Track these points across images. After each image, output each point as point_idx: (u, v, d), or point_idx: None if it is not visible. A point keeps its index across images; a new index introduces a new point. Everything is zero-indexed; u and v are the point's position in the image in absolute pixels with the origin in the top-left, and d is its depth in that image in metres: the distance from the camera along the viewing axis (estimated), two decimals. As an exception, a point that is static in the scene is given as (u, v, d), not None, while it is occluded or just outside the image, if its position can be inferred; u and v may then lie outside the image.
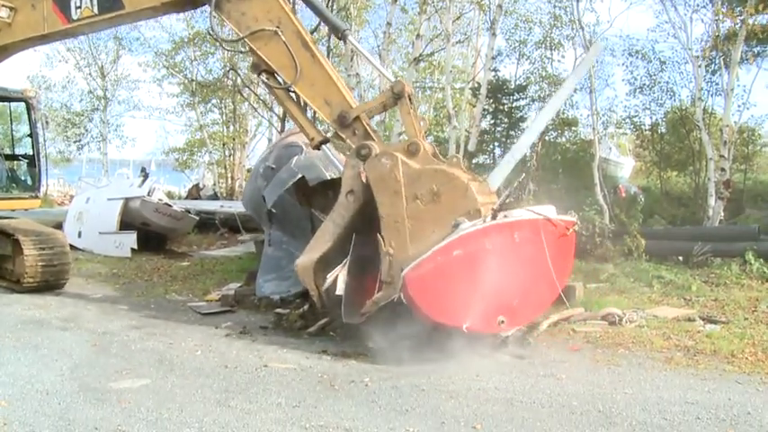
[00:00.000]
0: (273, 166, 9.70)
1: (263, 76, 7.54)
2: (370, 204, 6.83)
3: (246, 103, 25.53)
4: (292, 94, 7.56)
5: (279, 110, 20.29)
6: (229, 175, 27.20)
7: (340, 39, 8.17)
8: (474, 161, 15.45)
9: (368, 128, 7.14)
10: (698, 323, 7.90)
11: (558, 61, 18.71)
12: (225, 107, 26.88)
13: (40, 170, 11.42)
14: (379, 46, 18.80)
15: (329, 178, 8.74)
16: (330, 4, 16.42)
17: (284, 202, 9.25)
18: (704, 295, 9.48)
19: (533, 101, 17.95)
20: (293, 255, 7.61)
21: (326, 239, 7.03)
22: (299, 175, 8.96)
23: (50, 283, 9.94)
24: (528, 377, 5.94)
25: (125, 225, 14.23)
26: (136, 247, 13.98)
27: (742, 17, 12.95)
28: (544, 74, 18.55)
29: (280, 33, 7.17)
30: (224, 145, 27.46)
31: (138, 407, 5.14)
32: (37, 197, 11.53)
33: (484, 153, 16.93)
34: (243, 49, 8.33)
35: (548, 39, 18.06)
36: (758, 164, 19.87)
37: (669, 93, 18.08)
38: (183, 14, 24.04)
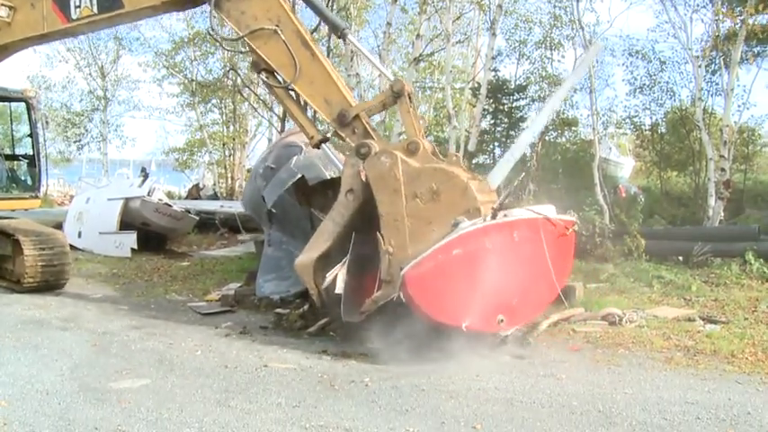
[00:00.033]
0: (273, 166, 9.70)
1: (263, 75, 7.54)
2: (369, 203, 6.84)
3: (246, 103, 25.53)
4: (292, 93, 7.56)
5: (279, 110, 20.29)
6: (229, 175, 27.20)
7: (340, 37, 8.17)
8: (474, 161, 15.45)
9: (367, 126, 7.14)
10: (698, 323, 7.90)
11: (558, 61, 18.75)
12: (225, 107, 26.89)
13: (40, 170, 11.42)
14: (379, 46, 18.83)
15: (329, 177, 8.75)
16: (330, 4, 16.41)
17: (284, 202, 9.25)
18: (704, 295, 9.48)
19: (533, 101, 17.97)
20: (293, 255, 7.62)
21: (326, 238, 7.04)
22: (299, 175, 8.97)
23: (50, 283, 9.94)
24: (528, 377, 5.94)
25: (125, 225, 14.22)
26: (136, 247, 13.98)
27: (742, 17, 12.96)
28: (544, 74, 18.57)
29: (279, 32, 7.17)
30: (224, 145, 27.46)
31: (138, 407, 5.14)
32: (37, 197, 11.52)
33: (484, 153, 16.93)
34: (243, 49, 8.33)
35: (548, 39, 18.06)
36: (758, 164, 19.87)
37: (669, 93, 18.12)
38: (183, 14, 24.09)
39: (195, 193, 24.16)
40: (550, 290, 6.93)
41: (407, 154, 6.77)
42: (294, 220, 9.51)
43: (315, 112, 7.88)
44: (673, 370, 6.17)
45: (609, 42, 17.37)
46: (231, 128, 27.29)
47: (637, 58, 18.02)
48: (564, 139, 18.61)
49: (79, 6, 8.05)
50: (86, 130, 28.89)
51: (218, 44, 18.90)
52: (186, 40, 25.58)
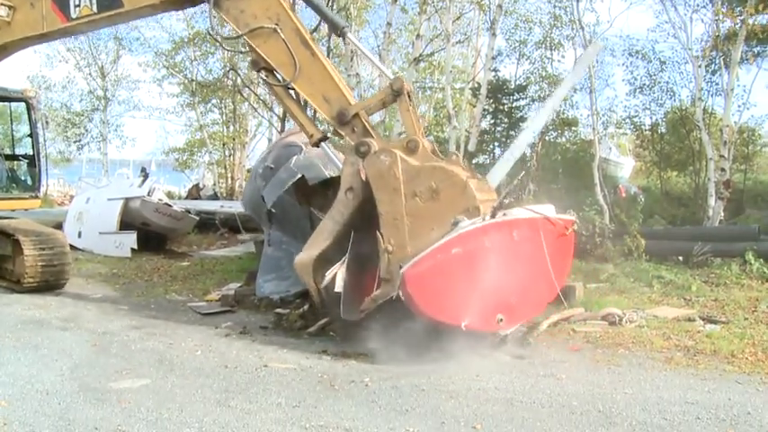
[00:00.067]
0: (272, 166, 9.70)
1: (263, 74, 7.54)
2: (369, 201, 6.83)
3: (246, 103, 25.53)
4: (291, 92, 7.56)
5: (279, 110, 20.29)
6: (229, 175, 27.20)
7: (339, 36, 8.17)
8: (474, 161, 15.45)
9: (367, 125, 7.14)
10: (698, 323, 7.90)
11: (558, 61, 18.72)
12: (225, 107, 26.88)
13: (40, 170, 11.42)
14: (379, 46, 18.83)
15: (328, 177, 8.74)
16: (330, 3, 16.41)
17: (284, 202, 9.25)
18: (704, 295, 9.48)
19: (533, 101, 17.97)
20: (293, 255, 7.62)
21: (326, 236, 7.03)
22: (299, 175, 8.96)
23: (50, 283, 9.94)
24: (528, 377, 5.94)
25: (125, 225, 14.22)
26: (136, 247, 13.98)
27: (742, 17, 12.96)
28: (544, 74, 18.57)
29: (279, 31, 7.17)
30: (224, 145, 27.46)
31: (138, 407, 5.14)
32: (37, 197, 11.52)
33: (484, 153, 16.92)
34: (243, 49, 8.33)
35: (548, 39, 18.06)
36: (758, 164, 19.88)
37: (669, 93, 18.13)
38: (183, 14, 24.14)
39: (195, 193, 24.16)
40: (550, 289, 6.93)
41: (407, 152, 6.77)
42: (294, 220, 9.51)
43: (315, 111, 7.88)
44: (673, 370, 6.17)
45: (609, 42, 17.41)
46: (231, 128, 27.30)
47: (637, 58, 18.06)
48: (564, 139, 18.62)
49: (78, 6, 8.04)
50: (86, 130, 28.92)
51: (218, 44, 18.90)
52: (186, 40, 25.59)
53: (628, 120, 19.32)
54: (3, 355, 6.49)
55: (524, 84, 18.08)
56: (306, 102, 7.59)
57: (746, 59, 14.55)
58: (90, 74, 28.07)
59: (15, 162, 11.68)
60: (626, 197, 15.93)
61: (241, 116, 27.36)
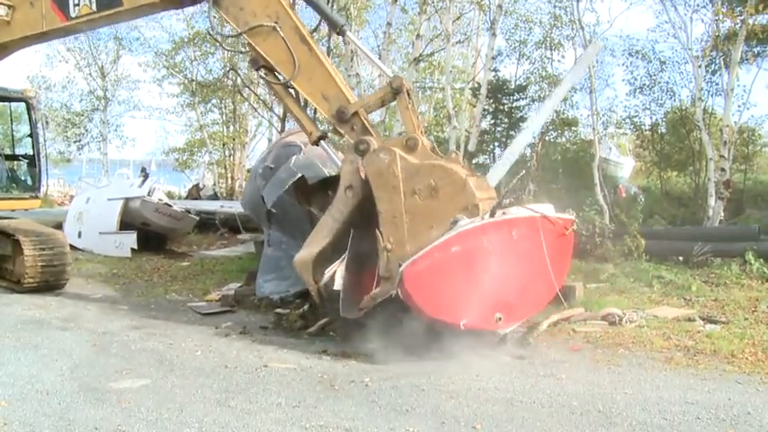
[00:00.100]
0: (272, 165, 9.70)
1: (262, 72, 7.55)
2: (368, 200, 6.83)
3: (246, 104, 25.53)
4: (291, 91, 7.56)
5: (279, 110, 20.28)
6: (229, 175, 27.20)
7: (338, 34, 8.17)
8: (474, 161, 15.45)
9: (366, 123, 7.14)
10: (698, 323, 7.89)
11: (559, 61, 18.72)
12: (225, 107, 26.89)
13: (40, 170, 11.42)
14: (379, 46, 18.83)
15: (328, 176, 8.74)
16: (330, 3, 16.42)
17: (283, 201, 9.25)
18: (704, 295, 9.48)
19: (533, 101, 17.95)
20: (292, 255, 7.63)
21: (325, 234, 7.03)
22: (299, 175, 8.96)
23: (50, 284, 9.94)
24: (528, 377, 5.94)
25: (125, 225, 14.23)
26: (136, 247, 13.98)
27: (742, 17, 12.96)
28: (544, 74, 18.56)
29: (278, 29, 7.17)
30: (224, 145, 27.46)
31: (138, 407, 5.14)
32: (37, 197, 11.52)
33: (484, 153, 16.92)
34: (243, 50, 8.32)
35: (548, 39, 18.06)
36: (758, 164, 19.87)
37: (669, 93, 18.14)
38: (183, 14, 24.16)
39: (195, 194, 24.16)
40: (549, 289, 6.92)
41: (406, 150, 6.76)
42: (294, 220, 9.50)
43: (315, 110, 7.89)
44: (673, 370, 6.16)
45: (609, 42, 17.42)
46: (231, 128, 27.30)
47: (637, 58, 18.07)
48: (564, 139, 18.61)
49: (78, 5, 8.05)
50: (86, 130, 28.93)
51: (218, 44, 18.94)
52: (186, 40, 25.60)
53: (628, 120, 19.36)
54: (3, 355, 6.49)
55: (524, 84, 18.08)
56: (306, 101, 7.59)
57: (746, 59, 14.55)
58: (90, 74, 28.13)
59: (15, 162, 11.69)
60: (626, 197, 15.93)
61: (241, 116, 27.36)
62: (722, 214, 13.21)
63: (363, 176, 6.84)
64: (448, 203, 6.52)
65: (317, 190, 8.97)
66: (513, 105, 17.16)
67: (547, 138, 17.51)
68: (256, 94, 23.59)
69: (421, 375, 5.91)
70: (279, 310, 8.40)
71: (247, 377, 6.00)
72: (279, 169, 9.41)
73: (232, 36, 8.23)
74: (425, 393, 5.51)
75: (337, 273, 6.89)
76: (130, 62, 49.16)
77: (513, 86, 17.47)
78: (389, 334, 6.61)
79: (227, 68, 23.00)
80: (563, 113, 17.89)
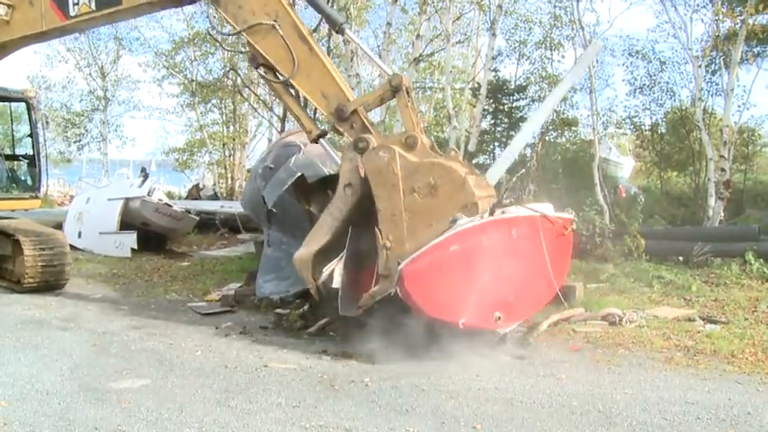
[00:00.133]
0: (272, 166, 9.70)
1: (261, 70, 7.54)
2: (367, 197, 6.82)
3: (246, 104, 25.53)
4: (291, 89, 7.56)
5: (279, 110, 20.30)
6: (229, 175, 27.19)
7: (337, 32, 8.17)
8: (474, 161, 15.44)
9: (366, 121, 7.13)
10: (698, 323, 7.89)
11: (559, 61, 18.72)
12: (225, 107, 26.88)
13: (40, 170, 11.43)
14: (379, 46, 18.81)
15: (328, 174, 8.74)
16: (330, 4, 16.42)
17: (283, 201, 9.25)
18: (704, 295, 9.48)
19: (533, 101, 17.94)
20: (292, 255, 7.63)
21: (325, 232, 7.03)
22: (298, 174, 8.96)
23: (50, 284, 9.94)
24: (528, 377, 5.94)
25: (125, 225, 14.22)
26: (136, 247, 13.98)
27: (742, 17, 12.96)
28: (544, 74, 18.55)
29: (277, 27, 7.17)
30: (224, 145, 27.45)
31: (138, 407, 5.14)
32: (37, 197, 11.53)
33: (484, 153, 16.92)
34: (243, 50, 8.31)
35: (548, 39, 18.05)
36: (758, 164, 19.87)
37: (669, 93, 18.13)
38: (183, 14, 24.16)
39: (195, 194, 24.16)
40: (549, 288, 6.93)
41: (405, 148, 6.75)
42: (294, 219, 9.50)
43: (315, 110, 7.88)
44: (673, 370, 6.16)
45: (609, 42, 17.41)
46: (231, 128, 27.29)
47: (637, 58, 18.06)
48: (564, 139, 18.61)
49: (77, 4, 8.05)
50: (86, 131, 28.91)
51: (218, 44, 18.92)
52: (186, 40, 25.59)
53: (628, 120, 19.35)
54: (3, 355, 6.49)
55: (524, 84, 18.07)
56: (306, 100, 7.58)
57: (746, 59, 14.55)
58: (90, 74, 28.11)
59: (15, 162, 11.69)
60: (626, 197, 15.94)
61: (241, 116, 27.36)
62: (722, 214, 13.21)
63: (363, 174, 6.83)
64: (447, 201, 6.52)
65: (317, 189, 8.97)
66: (513, 105, 17.15)
67: (547, 138, 17.52)
68: (256, 95, 23.60)
69: (421, 375, 5.91)
70: (279, 310, 8.40)
71: (247, 377, 6.00)
72: (279, 169, 9.41)
73: (231, 35, 8.23)
74: (425, 393, 5.51)
75: (336, 270, 6.88)
76: (130, 62, 49.28)
77: (513, 86, 17.46)
78: (389, 334, 6.61)
79: (227, 68, 23.00)
80: (563, 113, 17.89)
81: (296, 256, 7.12)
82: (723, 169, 13.35)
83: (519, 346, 6.92)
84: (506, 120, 16.98)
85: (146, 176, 16.37)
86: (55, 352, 6.69)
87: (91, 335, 7.49)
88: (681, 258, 11.44)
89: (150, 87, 51.03)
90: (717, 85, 15.80)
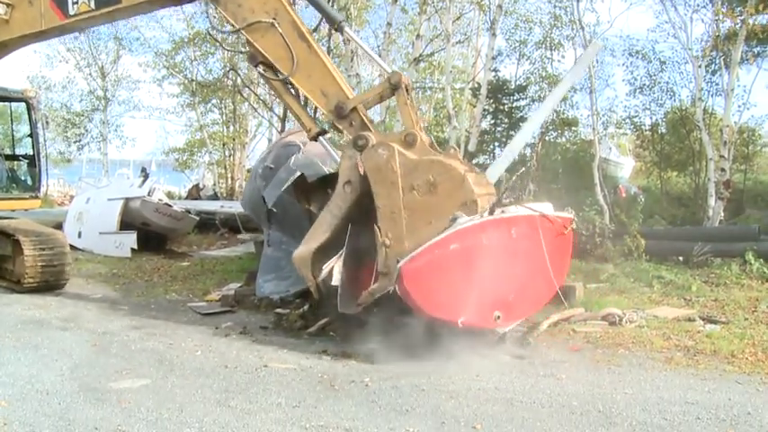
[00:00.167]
0: (272, 166, 9.70)
1: (260, 68, 7.54)
2: (367, 195, 6.82)
3: (246, 104, 25.53)
4: (290, 87, 7.55)
5: (279, 110, 20.29)
6: (229, 175, 27.20)
7: (336, 30, 8.16)
8: (474, 161, 15.44)
9: (365, 119, 7.14)
10: (698, 323, 7.89)
11: (559, 61, 18.73)
12: (225, 107, 26.88)
13: (40, 170, 11.43)
14: (379, 46, 18.82)
15: (327, 173, 8.74)
16: (331, 3, 16.42)
17: (284, 201, 9.25)
18: (704, 295, 9.48)
19: (533, 101, 17.95)
20: (292, 255, 7.63)
21: (324, 230, 7.03)
22: (298, 173, 8.96)
23: (50, 284, 9.94)
24: (528, 377, 5.94)
25: (125, 225, 14.23)
26: (136, 247, 13.98)
27: (742, 17, 12.96)
28: (544, 74, 18.56)
29: (276, 25, 7.17)
30: (224, 145, 27.46)
31: (138, 407, 5.14)
32: (37, 197, 11.52)
33: (484, 153, 16.92)
34: (243, 50, 8.30)
35: (548, 39, 18.06)
36: (758, 164, 19.89)
37: (669, 93, 18.15)
38: (183, 14, 24.17)
39: (195, 194, 24.16)
40: (548, 288, 6.92)
41: (405, 146, 6.75)
42: (293, 219, 9.50)
43: (315, 109, 7.87)
44: (673, 370, 6.16)
45: (609, 42, 17.42)
46: (231, 128, 27.29)
47: (637, 58, 18.07)
48: (564, 139, 18.62)
49: (77, 2, 8.06)
50: (86, 131, 28.92)
51: (218, 44, 18.92)
52: (186, 40, 25.59)
53: (628, 120, 19.36)
54: (3, 355, 6.49)
55: (524, 84, 18.07)
56: (306, 99, 7.58)
57: (746, 59, 14.56)
58: (90, 74, 28.12)
59: (15, 162, 11.69)
60: (626, 197, 15.93)
61: (241, 116, 27.36)
62: (722, 214, 13.21)
63: (362, 172, 6.82)
64: (446, 199, 6.51)
65: (317, 188, 8.96)
66: (513, 105, 17.16)
67: (547, 138, 17.52)
68: (256, 95, 23.60)
69: (421, 375, 5.91)
70: (279, 310, 8.40)
71: (247, 377, 5.99)
72: (279, 169, 9.40)
73: (231, 33, 8.23)
74: (425, 393, 5.51)
75: (335, 268, 6.87)
76: (130, 62, 49.31)
77: (513, 86, 17.47)
78: (389, 334, 6.61)
79: (227, 68, 23.01)
80: (563, 113, 17.89)
81: (295, 253, 7.11)
82: (723, 169, 13.35)
83: (519, 345, 6.91)
84: (506, 120, 16.98)
85: (146, 176, 16.38)
86: (55, 352, 6.69)
87: (91, 335, 7.49)
88: (681, 258, 11.44)
89: (150, 87, 51.14)
90: (717, 85, 15.83)
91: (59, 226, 13.93)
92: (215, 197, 23.56)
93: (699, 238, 11.34)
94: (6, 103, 13.23)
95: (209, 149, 27.69)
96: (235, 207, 17.53)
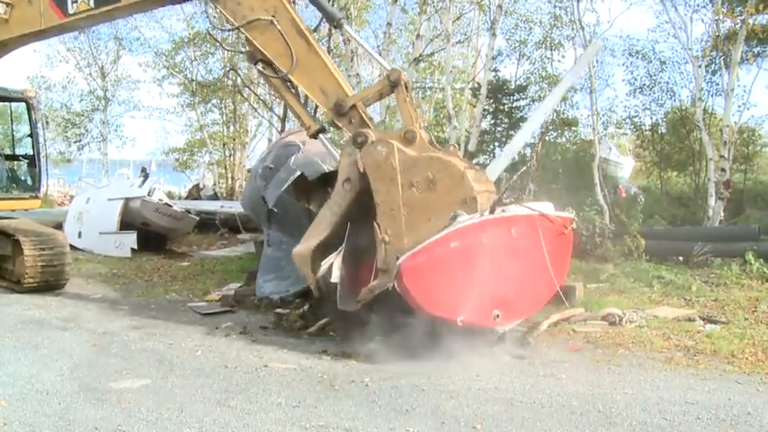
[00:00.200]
0: (272, 166, 9.69)
1: (259, 66, 7.55)
2: (366, 192, 6.82)
3: (246, 104, 25.53)
4: (289, 85, 7.55)
5: (279, 110, 20.29)
6: (229, 175, 27.20)
7: (335, 27, 8.17)
8: (474, 161, 15.44)
9: (364, 116, 7.14)
10: (698, 323, 7.89)
11: (559, 61, 18.74)
12: (225, 107, 26.89)
13: (40, 170, 11.43)
14: (379, 46, 18.81)
15: (327, 171, 8.73)
16: (331, 3, 16.42)
17: (284, 201, 9.25)
18: (704, 295, 9.48)
19: (533, 101, 17.95)
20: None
21: (324, 227, 7.02)
22: (298, 173, 8.96)
23: (50, 284, 9.94)
24: (528, 377, 5.94)
25: (125, 225, 14.23)
26: (136, 247, 13.98)
27: (742, 17, 12.97)
28: (544, 74, 18.56)
29: (275, 23, 7.17)
30: (224, 145, 27.46)
31: (138, 407, 5.14)
32: (37, 197, 11.53)
33: (484, 153, 16.92)
34: (243, 49, 8.30)
35: (548, 39, 18.06)
36: (758, 164, 19.89)
37: (669, 93, 18.15)
38: (183, 14, 24.16)
39: (195, 194, 24.16)
40: (548, 287, 6.92)
41: (404, 143, 6.75)
42: (293, 218, 9.50)
43: (315, 108, 7.87)
44: (673, 370, 6.16)
45: (609, 42, 17.42)
46: (231, 128, 27.29)
47: (637, 58, 18.08)
48: (564, 139, 18.62)
49: (76, 1, 8.06)
50: (86, 131, 28.94)
51: (218, 44, 18.93)
52: (186, 40, 25.59)
53: (628, 120, 19.36)
54: (3, 355, 6.49)
55: (524, 84, 18.08)
56: (306, 98, 7.58)
57: (746, 59, 14.56)
58: (90, 74, 28.14)
59: (15, 162, 11.69)
60: (626, 197, 15.93)
61: (241, 116, 27.36)
62: (722, 214, 13.21)
63: (361, 169, 6.81)
64: (446, 196, 6.50)
65: (317, 188, 8.96)
66: (514, 105, 17.16)
67: (547, 138, 17.52)
68: (256, 94, 23.59)
69: (421, 375, 5.91)
70: (279, 310, 8.39)
71: (247, 377, 5.99)
72: (279, 169, 9.40)
73: (230, 30, 8.23)
74: (425, 393, 5.51)
75: (334, 265, 6.86)
76: (130, 62, 49.21)
77: (513, 86, 17.47)
78: (389, 334, 6.60)
79: (227, 68, 23.01)
80: (563, 113, 17.90)
81: (295, 251, 7.11)
82: (723, 169, 13.35)
83: (519, 345, 6.91)
84: (506, 120, 16.98)
85: (146, 176, 16.37)
86: (55, 352, 6.69)
87: (91, 335, 7.49)
88: (681, 258, 11.45)
89: (150, 87, 51.01)
90: (717, 85, 15.83)
91: (59, 226, 13.93)
92: (215, 197, 23.56)
93: (699, 238, 11.34)
94: (6, 103, 13.23)
95: (209, 149, 27.69)
96: (235, 207, 17.53)
